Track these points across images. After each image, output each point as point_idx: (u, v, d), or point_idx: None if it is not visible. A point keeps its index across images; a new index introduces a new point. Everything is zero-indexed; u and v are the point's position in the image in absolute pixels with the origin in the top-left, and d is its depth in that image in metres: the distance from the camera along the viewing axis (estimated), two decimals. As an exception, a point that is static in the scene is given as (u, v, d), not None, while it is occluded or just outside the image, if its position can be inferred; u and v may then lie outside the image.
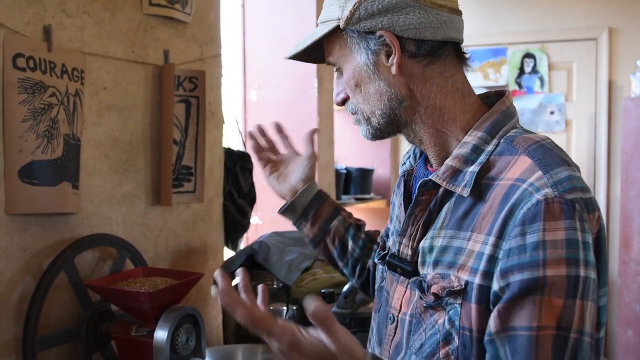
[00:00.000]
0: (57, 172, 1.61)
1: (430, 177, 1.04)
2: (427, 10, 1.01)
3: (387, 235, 1.28)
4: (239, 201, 2.41)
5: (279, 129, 1.48)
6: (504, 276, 0.91)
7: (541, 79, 4.25)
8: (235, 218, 2.36)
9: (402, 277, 1.08)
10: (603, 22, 4.12)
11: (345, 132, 4.16)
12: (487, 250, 0.94)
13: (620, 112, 4.00)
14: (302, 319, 1.96)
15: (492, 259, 0.93)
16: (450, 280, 0.97)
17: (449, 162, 1.03)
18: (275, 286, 2.04)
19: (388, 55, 1.03)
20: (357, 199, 3.80)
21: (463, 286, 0.95)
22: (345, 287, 1.79)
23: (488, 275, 0.93)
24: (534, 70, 4.26)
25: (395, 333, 1.08)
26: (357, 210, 3.89)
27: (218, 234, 2.34)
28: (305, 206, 1.40)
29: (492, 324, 0.92)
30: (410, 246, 1.06)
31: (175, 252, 2.12)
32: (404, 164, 1.22)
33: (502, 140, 1.02)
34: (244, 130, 3.19)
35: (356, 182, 3.84)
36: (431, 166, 1.12)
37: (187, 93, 2.13)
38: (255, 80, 3.22)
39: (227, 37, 3.03)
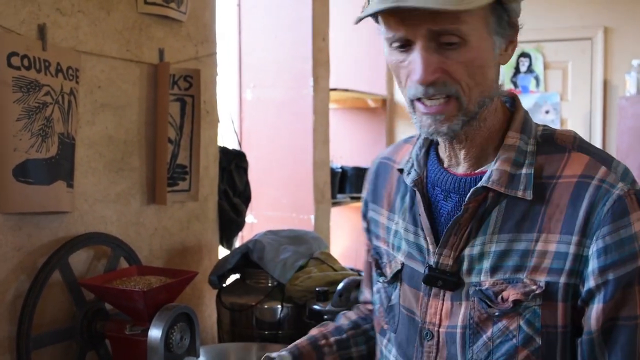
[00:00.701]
0: (51, 171, 1.61)
1: (486, 184, 1.00)
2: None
3: (379, 254, 1.20)
4: (234, 200, 2.41)
5: None
6: (603, 273, 0.94)
7: (536, 78, 4.26)
8: (230, 217, 2.37)
9: (436, 289, 1.04)
10: (598, 21, 4.13)
11: (340, 131, 4.16)
12: (571, 249, 0.96)
13: (615, 111, 4.02)
14: (296, 317, 1.97)
15: (579, 258, 0.95)
16: (524, 284, 0.97)
17: (499, 167, 1.00)
18: (270, 284, 2.05)
19: (507, 45, 1.02)
20: (352, 198, 3.80)
21: (544, 288, 0.96)
22: (340, 285, 1.80)
23: (574, 273, 0.96)
24: (530, 70, 4.27)
25: (438, 350, 1.05)
26: (352, 209, 3.90)
27: (213, 232, 2.34)
28: None
29: (593, 322, 0.95)
30: (451, 256, 1.03)
31: (170, 251, 2.13)
32: (409, 173, 1.11)
33: (539, 139, 1.03)
34: (239, 129, 3.19)
35: (351, 181, 3.85)
36: (453, 168, 1.07)
37: (182, 92, 2.13)
38: (250, 79, 3.22)
39: (222, 36, 3.03)
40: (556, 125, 4.22)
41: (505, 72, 4.28)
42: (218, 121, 2.38)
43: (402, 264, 1.11)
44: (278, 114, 3.11)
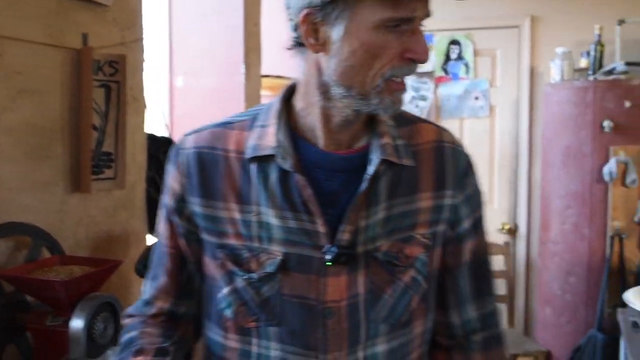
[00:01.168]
0: (-34, 159, 1.56)
1: (384, 157, 1.04)
2: None
3: (233, 251, 1.08)
4: (162, 187, 2.38)
5: None
6: (472, 215, 1.15)
7: (466, 65, 4.34)
8: (158, 204, 2.34)
9: (332, 267, 1.04)
10: (526, 10, 4.23)
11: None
12: (445, 202, 1.11)
13: (541, 97, 4.13)
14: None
15: (451, 207, 1.12)
16: (417, 240, 1.09)
17: (383, 141, 1.06)
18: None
19: None
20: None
21: (430, 239, 1.10)
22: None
23: (448, 221, 1.12)
24: (460, 57, 4.34)
25: (340, 323, 1.06)
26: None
27: (140, 220, 2.31)
28: None
29: (467, 255, 1.16)
30: (349, 231, 1.04)
31: (95, 240, 2.09)
32: (284, 158, 1.04)
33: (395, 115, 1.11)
34: (170, 116, 3.15)
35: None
36: (332, 148, 1.07)
37: (107, 77, 2.09)
38: (181, 66, 3.18)
39: (153, 23, 2.99)
40: (485, 112, 4.33)
41: (437, 59, 4.34)
42: (145, 108, 2.35)
43: (285, 255, 1.05)
44: (209, 101, 3.09)
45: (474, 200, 1.16)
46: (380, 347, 1.09)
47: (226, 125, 1.12)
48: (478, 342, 1.18)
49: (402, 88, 1.01)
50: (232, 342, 1.11)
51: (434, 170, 1.11)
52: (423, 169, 1.10)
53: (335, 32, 0.97)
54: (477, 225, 1.17)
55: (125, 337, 1.13)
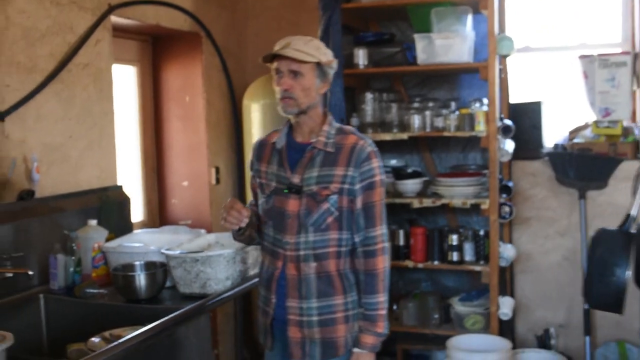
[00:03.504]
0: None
1: (315, 145, 2.23)
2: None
3: (262, 185, 2.35)
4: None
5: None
6: (362, 181, 2.19)
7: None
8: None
9: (292, 194, 2.22)
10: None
11: None
12: (349, 172, 2.19)
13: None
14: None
15: (351, 177, 2.19)
16: (330, 188, 2.19)
17: (320, 139, 2.24)
18: None
19: (323, 85, 2.25)
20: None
21: (338, 190, 2.19)
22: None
23: (350, 183, 2.19)
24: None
25: (292, 222, 2.22)
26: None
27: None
28: (249, 222, 2.30)
29: (359, 204, 2.21)
30: (298, 178, 2.22)
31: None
32: (278, 143, 2.31)
33: (337, 128, 2.27)
34: None
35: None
36: (299, 139, 2.29)
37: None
38: None
39: None
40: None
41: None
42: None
43: (275, 187, 2.28)
44: None
45: (364, 175, 2.19)
46: (310, 238, 2.22)
47: (275, 130, 2.39)
48: (361, 252, 2.23)
49: (281, 102, 2.21)
50: (262, 227, 2.37)
51: (347, 157, 2.19)
52: (341, 156, 2.20)
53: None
54: (364, 188, 2.19)
55: None
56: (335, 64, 2.25)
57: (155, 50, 4.22)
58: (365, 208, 2.21)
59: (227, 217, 2.21)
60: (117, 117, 3.50)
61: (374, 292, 2.22)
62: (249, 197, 2.58)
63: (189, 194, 4.24)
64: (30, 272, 2.55)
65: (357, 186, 2.20)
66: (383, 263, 2.22)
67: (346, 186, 2.19)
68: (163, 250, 2.76)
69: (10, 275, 2.59)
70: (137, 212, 4.10)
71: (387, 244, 2.25)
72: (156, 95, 4.25)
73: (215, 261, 2.68)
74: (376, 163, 2.22)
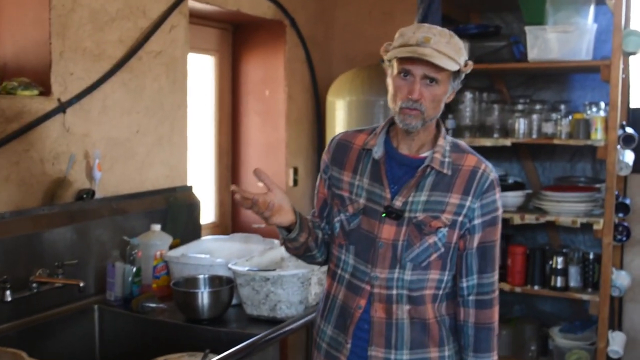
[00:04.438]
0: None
1: (430, 164, 1.78)
2: None
3: (342, 199, 1.88)
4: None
5: (259, 176, 1.79)
6: (484, 216, 1.77)
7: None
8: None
9: (389, 219, 1.78)
10: None
11: None
12: (467, 203, 1.76)
13: None
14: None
15: (469, 208, 1.77)
16: (441, 219, 1.76)
17: (436, 156, 1.78)
18: None
19: (452, 94, 1.81)
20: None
21: (450, 222, 1.76)
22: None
23: (466, 216, 1.77)
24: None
25: (386, 253, 1.79)
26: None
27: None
28: (300, 221, 1.85)
29: (475, 242, 1.78)
30: (401, 201, 1.78)
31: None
32: (376, 152, 1.83)
33: (451, 144, 1.84)
34: None
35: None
36: (405, 151, 1.83)
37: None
38: None
39: None
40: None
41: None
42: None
43: (364, 205, 1.83)
44: None
45: (486, 208, 1.78)
46: (407, 276, 1.79)
47: (360, 130, 1.94)
48: (472, 301, 1.82)
49: (407, 113, 1.72)
50: (335, 250, 1.91)
51: (465, 182, 1.78)
52: (458, 180, 1.78)
53: (388, 77, 1.79)
54: (485, 225, 1.78)
55: None
56: (470, 68, 1.79)
57: (235, 40, 3.93)
58: (482, 248, 1.80)
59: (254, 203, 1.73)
60: (190, 111, 3.22)
61: (488, 349, 1.83)
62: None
63: (265, 195, 3.92)
64: (82, 284, 2.29)
65: (476, 221, 1.78)
66: (497, 315, 1.85)
67: (460, 219, 1.77)
68: (230, 265, 2.45)
69: (61, 285, 2.34)
70: (208, 214, 3.84)
71: (498, 292, 1.87)
72: (234, 88, 3.96)
73: (288, 282, 2.35)
74: (498, 194, 1.82)
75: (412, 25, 1.76)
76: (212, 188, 3.89)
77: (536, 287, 3.45)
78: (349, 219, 1.86)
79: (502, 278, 3.52)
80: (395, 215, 1.77)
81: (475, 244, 1.79)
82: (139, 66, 2.84)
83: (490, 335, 1.83)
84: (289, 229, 1.83)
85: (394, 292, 1.80)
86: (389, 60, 1.76)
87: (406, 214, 1.77)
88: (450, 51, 1.69)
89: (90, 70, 2.62)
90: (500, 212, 1.82)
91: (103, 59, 2.67)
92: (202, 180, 3.77)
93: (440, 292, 1.82)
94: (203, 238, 3.01)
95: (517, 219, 3.42)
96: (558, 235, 3.81)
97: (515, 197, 3.50)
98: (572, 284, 3.39)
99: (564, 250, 3.44)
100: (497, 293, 1.84)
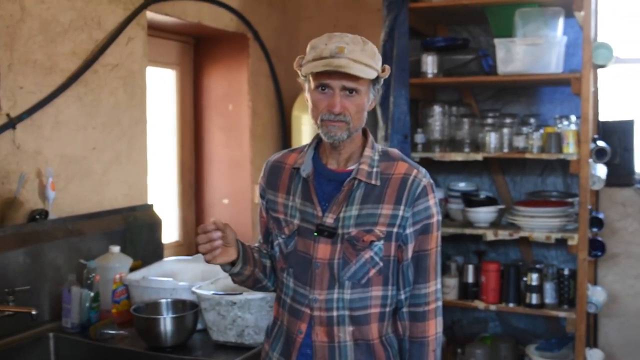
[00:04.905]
0: None
1: (356, 176, 1.71)
2: None
3: (278, 221, 1.82)
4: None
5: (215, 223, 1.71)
6: (415, 224, 1.71)
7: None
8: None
9: (323, 237, 1.71)
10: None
11: None
12: (399, 213, 1.70)
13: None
14: None
15: (403, 217, 1.70)
16: (374, 232, 1.69)
17: (362, 167, 1.72)
18: None
19: (373, 100, 1.76)
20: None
21: (385, 234, 1.70)
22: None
23: (400, 226, 1.70)
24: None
25: (323, 273, 1.71)
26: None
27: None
28: (243, 254, 1.78)
29: (409, 253, 1.73)
30: (332, 218, 1.71)
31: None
32: (304, 170, 1.76)
33: (380, 153, 1.77)
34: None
35: None
36: (332, 166, 1.77)
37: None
38: None
39: None
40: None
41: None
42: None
43: (298, 226, 1.76)
44: None
45: (418, 216, 1.71)
46: (347, 295, 1.71)
47: (292, 150, 1.88)
48: (406, 313, 1.76)
49: (330, 125, 1.67)
50: (279, 274, 1.83)
51: (396, 191, 1.71)
52: (389, 189, 1.71)
53: (306, 92, 1.74)
54: (417, 233, 1.72)
55: None
56: (388, 73, 1.73)
57: (197, 53, 3.80)
58: (416, 258, 1.73)
59: (198, 244, 1.69)
60: (150, 127, 3.08)
61: None
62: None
63: (230, 213, 3.79)
64: (34, 312, 2.12)
65: (409, 230, 1.71)
66: (435, 328, 1.75)
67: (395, 230, 1.70)
68: (194, 289, 2.31)
69: (11, 313, 2.17)
70: (171, 233, 3.68)
71: (440, 303, 1.78)
72: (196, 103, 3.82)
73: (256, 305, 2.21)
74: (433, 200, 1.74)
75: (323, 36, 1.68)
76: (175, 206, 3.74)
77: (511, 305, 3.36)
78: (286, 242, 1.80)
79: (476, 296, 3.44)
80: (328, 233, 1.70)
81: (409, 253, 1.72)
82: (94, 80, 2.69)
83: (423, 351, 1.73)
84: (232, 263, 1.76)
85: (335, 313, 1.72)
86: (304, 76, 1.71)
87: (339, 231, 1.71)
88: (366, 58, 1.64)
89: (42, 83, 2.47)
90: (436, 218, 1.74)
91: (55, 72, 2.52)
92: (164, 198, 3.62)
93: (387, 309, 1.75)
94: (165, 259, 2.86)
95: (490, 235, 3.34)
96: (531, 251, 3.75)
97: (488, 213, 3.42)
98: (547, 300, 3.31)
99: (538, 266, 3.36)
100: (434, 305, 1.75)
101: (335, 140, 1.68)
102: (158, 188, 3.51)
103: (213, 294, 2.24)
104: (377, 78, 1.70)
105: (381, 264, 1.70)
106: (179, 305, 2.37)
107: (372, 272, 1.70)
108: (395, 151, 1.80)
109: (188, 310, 2.31)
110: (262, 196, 1.88)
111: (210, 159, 3.83)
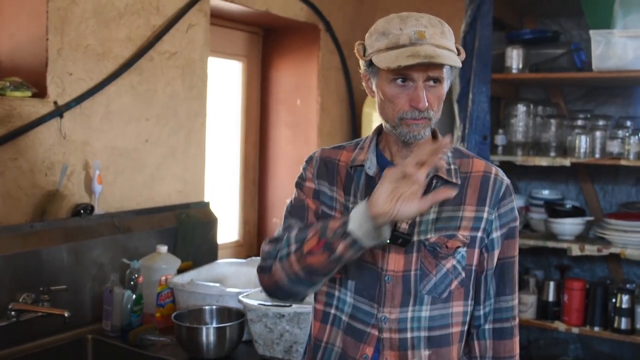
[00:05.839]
0: None
1: (436, 173, 1.48)
2: None
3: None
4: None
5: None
6: (502, 228, 1.52)
7: None
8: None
9: (394, 246, 1.46)
10: None
11: None
12: (484, 215, 1.50)
13: None
14: None
15: (487, 220, 1.51)
16: (458, 237, 1.49)
17: (440, 164, 1.46)
18: None
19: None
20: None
21: (469, 240, 1.49)
22: None
23: (485, 230, 1.51)
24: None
25: (395, 288, 1.48)
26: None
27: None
28: None
29: (494, 261, 1.53)
30: (407, 222, 1.44)
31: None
32: (370, 167, 1.52)
33: (451, 149, 1.55)
34: None
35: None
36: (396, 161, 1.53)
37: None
38: None
39: None
40: None
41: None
42: None
43: None
44: None
45: (504, 218, 1.53)
46: (424, 313, 1.49)
47: (342, 145, 1.63)
48: (489, 331, 1.54)
49: (412, 124, 1.44)
50: (324, 286, 1.55)
51: (477, 191, 1.51)
52: (470, 189, 1.51)
53: (374, 84, 1.49)
54: (504, 237, 1.53)
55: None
56: (464, 55, 1.49)
57: (265, 44, 3.62)
58: (501, 266, 1.54)
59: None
60: (210, 121, 2.92)
61: None
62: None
63: (294, 213, 3.59)
64: (67, 314, 1.98)
65: (495, 234, 1.52)
66: (518, 348, 1.57)
67: (479, 234, 1.50)
68: (241, 297, 2.11)
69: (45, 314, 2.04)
70: (231, 232, 3.52)
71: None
72: (263, 97, 3.65)
73: (307, 320, 2.00)
74: (515, 202, 1.57)
75: (392, 18, 1.44)
76: (237, 204, 3.58)
77: (597, 329, 3.01)
78: None
79: (557, 316, 3.11)
80: (402, 240, 1.45)
81: (495, 262, 1.53)
82: (149, 68, 2.54)
83: None
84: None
85: (409, 335, 1.49)
86: (370, 66, 1.47)
87: (415, 238, 1.47)
88: (448, 43, 1.43)
89: (93, 70, 2.33)
90: (518, 222, 1.57)
91: (107, 58, 2.38)
92: (225, 195, 3.47)
93: (466, 327, 1.54)
94: (219, 261, 2.68)
95: (576, 250, 3.01)
96: (621, 269, 3.37)
97: (574, 225, 3.08)
98: (639, 325, 2.95)
99: (629, 287, 3.01)
100: (517, 320, 1.57)
101: (418, 139, 1.46)
102: (218, 185, 3.36)
103: (259, 304, 2.05)
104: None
105: (463, 274, 1.50)
106: (224, 314, 2.19)
107: (455, 283, 1.50)
108: (464, 149, 1.61)
109: (234, 319, 2.12)
110: (300, 185, 1.58)
111: (275, 156, 3.65)
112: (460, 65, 1.43)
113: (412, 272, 1.48)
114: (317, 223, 1.48)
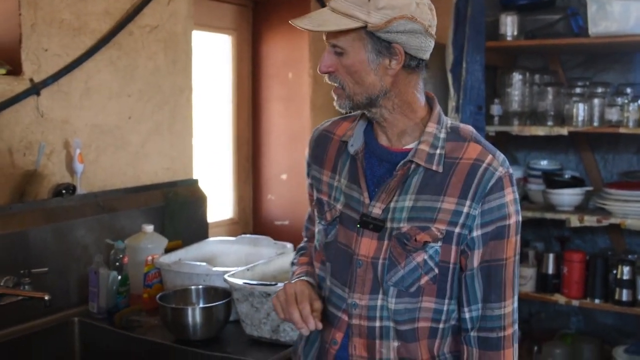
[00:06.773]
0: None
1: (412, 158, 1.38)
2: (427, 38, 1.35)
3: (321, 204, 1.53)
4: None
5: None
6: (485, 226, 1.36)
7: None
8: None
9: (367, 230, 1.41)
10: None
11: None
12: (464, 209, 1.36)
13: None
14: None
15: (469, 215, 1.36)
16: (431, 231, 1.37)
17: (422, 147, 1.39)
18: None
19: (390, 61, 1.35)
20: None
21: (444, 234, 1.37)
22: None
23: (465, 226, 1.37)
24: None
25: (365, 273, 1.42)
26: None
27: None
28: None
29: (475, 261, 1.38)
30: (380, 208, 1.40)
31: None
32: (352, 145, 1.45)
33: (448, 130, 1.43)
34: None
35: None
36: (384, 143, 1.45)
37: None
38: None
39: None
40: None
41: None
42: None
43: (341, 212, 1.48)
44: None
45: (489, 215, 1.37)
46: (391, 305, 1.40)
47: (345, 117, 1.55)
48: (474, 339, 1.41)
49: (334, 92, 1.41)
50: (317, 267, 1.55)
51: (462, 181, 1.37)
52: (454, 178, 1.37)
53: None
54: (488, 237, 1.37)
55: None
56: (404, 25, 1.31)
57: (255, 17, 3.53)
58: (487, 269, 1.38)
59: (289, 315, 1.44)
60: (200, 97, 2.84)
61: None
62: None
63: (288, 189, 3.54)
64: (47, 297, 1.92)
65: (476, 233, 1.37)
66: (511, 359, 1.42)
67: (457, 230, 1.37)
68: (226, 276, 2.05)
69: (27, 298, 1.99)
70: (226, 209, 3.47)
71: (517, 328, 1.44)
72: (254, 71, 3.56)
73: (293, 298, 1.94)
74: (511, 196, 1.39)
75: None
76: (230, 181, 3.52)
77: (597, 301, 2.97)
78: (327, 229, 1.52)
79: (557, 289, 3.06)
80: (373, 226, 1.40)
81: (475, 262, 1.38)
82: (129, 42, 2.46)
83: None
84: None
85: (377, 324, 1.42)
86: None
87: (387, 224, 1.40)
88: (349, 6, 1.31)
89: (69, 46, 2.26)
90: (514, 220, 1.38)
91: (84, 33, 2.30)
92: (219, 173, 3.41)
93: (441, 325, 1.42)
94: (208, 239, 2.63)
95: (575, 221, 2.95)
96: (622, 239, 3.31)
97: (572, 195, 3.02)
98: (640, 297, 2.91)
99: (631, 258, 2.95)
100: (510, 331, 1.41)
101: (341, 109, 1.42)
102: (212, 162, 3.29)
103: (244, 283, 1.99)
104: (374, 31, 1.32)
105: (436, 270, 1.38)
106: (211, 293, 2.13)
107: (424, 279, 1.39)
108: (468, 129, 1.45)
109: (221, 299, 2.07)
110: (307, 172, 1.60)
111: (268, 131, 3.58)
112: (334, 28, 1.31)
113: (380, 261, 1.41)
114: (298, 258, 1.66)
